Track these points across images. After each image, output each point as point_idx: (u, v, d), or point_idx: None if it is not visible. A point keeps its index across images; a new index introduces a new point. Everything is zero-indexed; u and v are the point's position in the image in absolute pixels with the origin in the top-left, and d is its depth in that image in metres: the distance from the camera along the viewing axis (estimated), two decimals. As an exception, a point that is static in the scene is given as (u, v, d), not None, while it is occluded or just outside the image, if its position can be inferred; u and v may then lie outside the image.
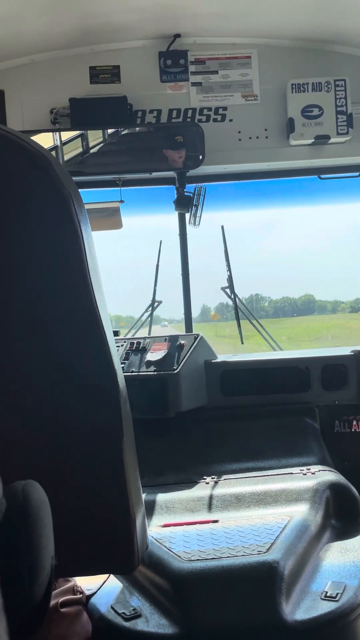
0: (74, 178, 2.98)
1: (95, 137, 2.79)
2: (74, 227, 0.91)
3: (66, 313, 0.94)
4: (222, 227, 3.15)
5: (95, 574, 1.34)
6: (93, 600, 1.42)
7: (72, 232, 0.92)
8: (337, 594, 1.37)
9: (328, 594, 1.37)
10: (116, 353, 1.01)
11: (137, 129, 2.79)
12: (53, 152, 2.71)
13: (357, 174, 2.95)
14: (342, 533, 1.73)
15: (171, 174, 2.81)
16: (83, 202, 0.98)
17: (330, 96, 2.66)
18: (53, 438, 0.94)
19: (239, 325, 3.09)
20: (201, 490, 1.95)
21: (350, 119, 2.67)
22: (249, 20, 2.62)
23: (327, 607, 1.32)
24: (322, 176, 2.97)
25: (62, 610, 1.27)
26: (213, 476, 2.08)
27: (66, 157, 2.76)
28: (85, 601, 1.40)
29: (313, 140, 2.68)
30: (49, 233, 0.91)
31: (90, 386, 0.95)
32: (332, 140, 2.69)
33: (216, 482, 2.02)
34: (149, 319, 3.17)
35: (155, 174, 2.85)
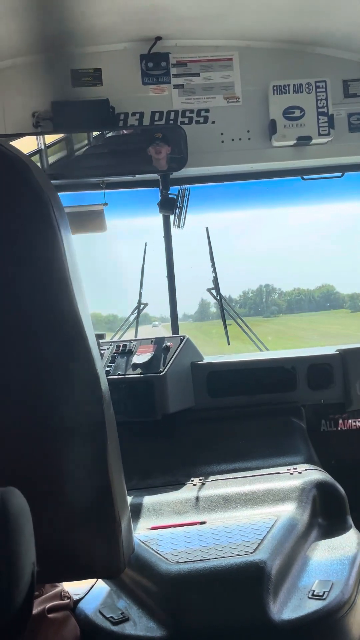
0: (58, 181, 2.96)
1: (79, 140, 2.78)
2: (53, 232, 0.91)
3: (47, 317, 0.93)
4: (207, 228, 3.16)
5: (81, 579, 1.33)
6: (81, 604, 1.41)
7: (51, 237, 0.91)
8: (324, 592, 1.37)
9: (315, 593, 1.38)
10: (99, 356, 1.01)
11: (120, 131, 2.80)
12: (37, 156, 2.70)
13: (339, 174, 2.98)
14: (329, 531, 1.74)
15: (155, 176, 2.82)
16: (63, 206, 0.98)
17: (311, 97, 2.69)
18: (35, 442, 0.94)
19: (225, 326, 3.10)
20: (189, 492, 1.95)
21: (332, 120, 2.70)
22: (229, 23, 2.63)
23: (314, 605, 1.33)
24: (305, 177, 2.99)
25: (49, 616, 1.27)
26: (201, 477, 2.08)
27: (50, 160, 2.76)
28: (73, 606, 1.39)
29: (295, 141, 2.71)
30: (28, 238, 0.91)
31: (73, 390, 0.95)
32: (314, 141, 2.71)
33: (203, 484, 2.02)
34: (136, 321, 3.17)
35: (139, 177, 2.86)
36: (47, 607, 1.26)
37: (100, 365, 1.00)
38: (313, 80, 2.69)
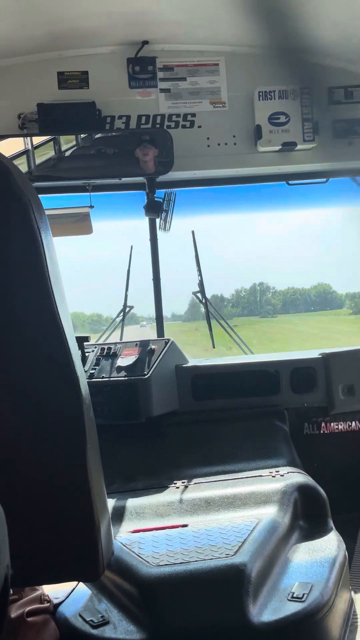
0: (44, 183, 2.94)
1: (66, 142, 2.78)
2: (33, 234, 0.92)
3: (26, 320, 0.93)
4: (193, 232, 3.17)
5: (60, 582, 1.33)
6: (61, 608, 1.41)
7: (31, 240, 0.92)
8: (304, 594, 1.39)
9: (295, 595, 1.39)
10: (79, 359, 1.01)
11: (107, 134, 2.80)
12: (23, 157, 2.69)
13: (324, 179, 3.00)
14: (310, 534, 1.76)
15: (141, 179, 2.82)
16: (44, 209, 0.99)
17: (296, 104, 2.71)
18: (13, 446, 0.94)
19: (210, 329, 3.11)
20: (171, 495, 1.96)
21: (316, 126, 2.72)
22: (216, 28, 2.65)
23: (293, 607, 1.34)
24: (290, 182, 3.02)
25: (29, 619, 1.26)
26: (184, 480, 2.09)
27: (37, 162, 2.75)
28: (53, 610, 1.39)
29: (280, 147, 2.73)
30: (8, 241, 0.91)
31: (52, 393, 0.95)
32: (298, 147, 2.74)
33: (186, 487, 2.03)
34: (121, 323, 3.16)
35: (125, 180, 2.86)
36: (26, 610, 1.26)
37: (81, 369, 1.00)
38: (298, 87, 2.71)
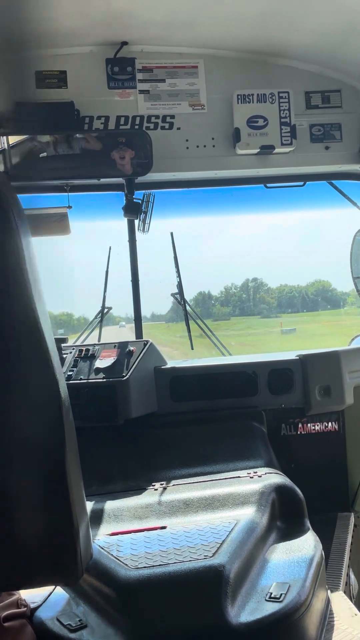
0: (21, 183, 2.90)
1: (43, 142, 2.75)
2: (12, 235, 0.91)
3: (5, 322, 0.92)
4: (172, 233, 3.18)
5: (38, 587, 1.32)
6: (38, 612, 1.40)
7: (10, 241, 0.91)
8: (281, 594, 1.40)
9: (272, 595, 1.40)
10: (59, 362, 1.00)
11: (85, 135, 2.78)
12: (-1, 156, 2.66)
13: (301, 183, 3.04)
14: (288, 534, 1.77)
15: (120, 180, 2.82)
16: (23, 209, 0.98)
17: (274, 107, 2.74)
18: None
19: (189, 331, 3.12)
20: (150, 497, 1.95)
21: (294, 130, 2.75)
22: (195, 31, 2.66)
23: (271, 608, 1.35)
24: (268, 185, 3.05)
25: (5, 624, 1.24)
26: (162, 482, 2.09)
27: (14, 161, 2.72)
28: (30, 614, 1.37)
29: (259, 150, 2.75)
30: None
31: (31, 395, 0.94)
32: (276, 150, 2.76)
33: (165, 488, 2.03)
34: (99, 325, 3.15)
35: (103, 180, 2.85)
36: (2, 615, 1.24)
37: (60, 371, 0.99)
38: (276, 91, 2.74)
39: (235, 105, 2.74)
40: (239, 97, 2.73)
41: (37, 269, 0.98)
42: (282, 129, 2.74)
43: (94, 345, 2.64)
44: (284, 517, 1.84)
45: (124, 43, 2.71)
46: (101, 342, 2.92)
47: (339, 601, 1.72)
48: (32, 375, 0.93)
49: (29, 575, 1.01)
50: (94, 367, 2.48)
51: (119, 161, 2.68)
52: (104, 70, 2.74)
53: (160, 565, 1.42)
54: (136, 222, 2.92)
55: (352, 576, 2.26)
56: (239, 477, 2.05)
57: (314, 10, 2.43)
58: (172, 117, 2.81)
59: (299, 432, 2.70)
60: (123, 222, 2.97)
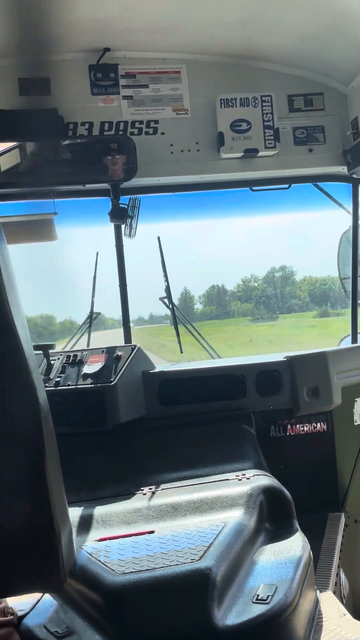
0: (7, 190, 2.89)
1: (30, 148, 2.75)
2: None
3: None
4: (159, 238, 3.18)
5: (22, 594, 1.31)
6: (25, 620, 1.39)
7: None
8: (268, 596, 1.40)
9: (259, 597, 1.40)
10: (37, 368, 1.00)
11: (69, 141, 2.78)
12: (-17, 164, 2.66)
13: (286, 185, 3.06)
14: (276, 535, 1.78)
15: (105, 185, 2.82)
16: None
17: (257, 111, 2.76)
18: None
19: (178, 335, 3.12)
20: (138, 501, 1.95)
21: (277, 133, 2.77)
22: (177, 36, 2.67)
23: (257, 610, 1.35)
24: (253, 188, 3.06)
25: None
26: (151, 487, 2.09)
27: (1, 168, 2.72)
28: (17, 622, 1.37)
29: (242, 153, 2.77)
30: None
31: (8, 402, 0.94)
32: (260, 153, 2.78)
33: (154, 493, 2.03)
34: (88, 330, 3.14)
35: (89, 186, 2.85)
36: None
37: (38, 377, 0.99)
38: (259, 95, 2.76)
39: (218, 109, 2.75)
40: (222, 101, 2.75)
41: (13, 275, 0.98)
42: (266, 132, 2.76)
43: (82, 350, 2.64)
44: (272, 518, 1.85)
45: (107, 49, 2.72)
46: (90, 347, 2.92)
47: (328, 601, 1.73)
48: (8, 381, 0.93)
49: (12, 583, 1.01)
50: (82, 372, 2.48)
51: (112, 167, 2.69)
52: (87, 76, 2.75)
53: (147, 570, 1.42)
54: (123, 227, 2.93)
55: (343, 576, 2.26)
56: (227, 479, 2.05)
57: (295, 15, 2.46)
58: (156, 122, 2.82)
59: (288, 433, 2.71)
60: (111, 228, 2.97)
